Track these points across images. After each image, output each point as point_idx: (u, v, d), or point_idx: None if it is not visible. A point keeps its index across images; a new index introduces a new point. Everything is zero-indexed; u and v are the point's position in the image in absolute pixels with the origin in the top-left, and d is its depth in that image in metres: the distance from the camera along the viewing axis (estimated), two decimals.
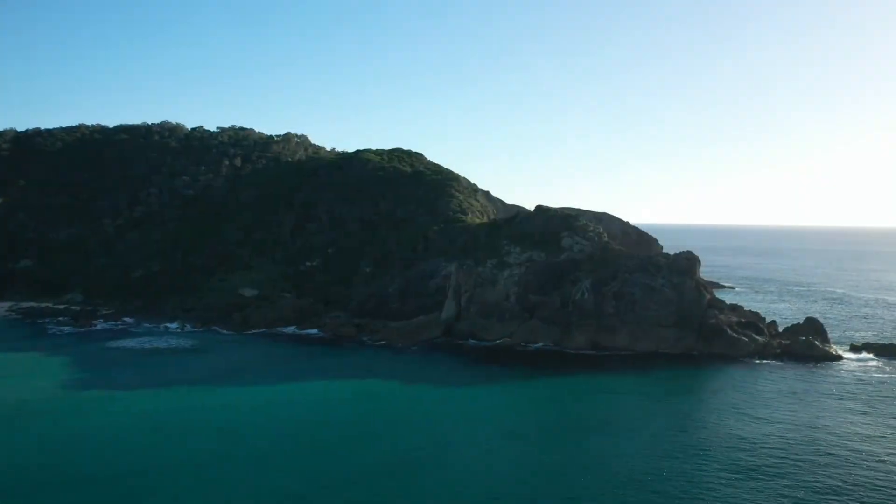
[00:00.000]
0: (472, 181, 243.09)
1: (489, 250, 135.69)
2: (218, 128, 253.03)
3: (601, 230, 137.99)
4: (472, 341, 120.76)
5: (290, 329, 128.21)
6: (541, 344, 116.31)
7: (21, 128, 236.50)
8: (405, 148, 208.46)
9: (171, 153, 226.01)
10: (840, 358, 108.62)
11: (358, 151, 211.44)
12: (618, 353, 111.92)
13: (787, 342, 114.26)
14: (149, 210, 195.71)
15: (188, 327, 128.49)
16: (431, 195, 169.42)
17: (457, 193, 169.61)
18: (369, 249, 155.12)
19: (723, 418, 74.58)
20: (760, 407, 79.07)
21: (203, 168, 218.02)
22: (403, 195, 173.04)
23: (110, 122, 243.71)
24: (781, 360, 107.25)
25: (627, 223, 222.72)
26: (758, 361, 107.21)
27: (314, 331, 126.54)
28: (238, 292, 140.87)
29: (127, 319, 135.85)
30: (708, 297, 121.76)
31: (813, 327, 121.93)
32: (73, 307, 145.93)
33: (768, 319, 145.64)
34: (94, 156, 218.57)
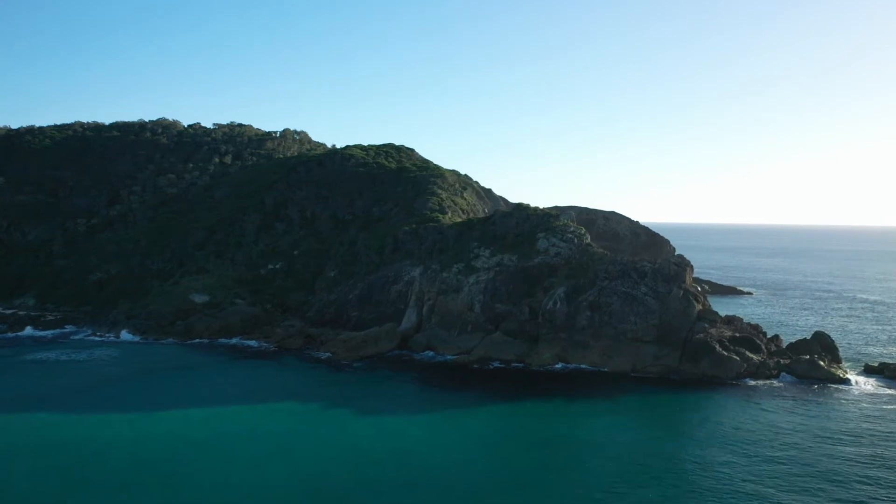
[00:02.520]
0: (475, 178, 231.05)
1: (457, 253, 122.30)
2: (214, 124, 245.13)
3: (583, 231, 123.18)
4: (429, 354, 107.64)
5: (235, 339, 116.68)
6: (498, 363, 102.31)
7: (20, 126, 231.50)
8: (411, 144, 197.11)
9: (161, 150, 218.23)
10: (847, 382, 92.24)
11: (347, 146, 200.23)
12: (588, 371, 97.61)
13: (788, 361, 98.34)
14: (128, 209, 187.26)
15: (126, 336, 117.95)
16: (410, 192, 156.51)
17: (439, 190, 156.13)
18: (337, 251, 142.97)
19: (667, 483, 59.21)
20: (725, 461, 63.17)
21: (191, 166, 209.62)
22: (382, 193, 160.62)
23: (113, 120, 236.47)
24: (778, 384, 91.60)
25: (637, 223, 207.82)
26: (752, 383, 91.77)
27: (256, 342, 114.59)
28: (188, 298, 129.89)
29: (68, 327, 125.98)
30: (698, 307, 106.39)
31: (821, 343, 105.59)
32: (21, 312, 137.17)
33: (782, 331, 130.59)
34: (81, 153, 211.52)
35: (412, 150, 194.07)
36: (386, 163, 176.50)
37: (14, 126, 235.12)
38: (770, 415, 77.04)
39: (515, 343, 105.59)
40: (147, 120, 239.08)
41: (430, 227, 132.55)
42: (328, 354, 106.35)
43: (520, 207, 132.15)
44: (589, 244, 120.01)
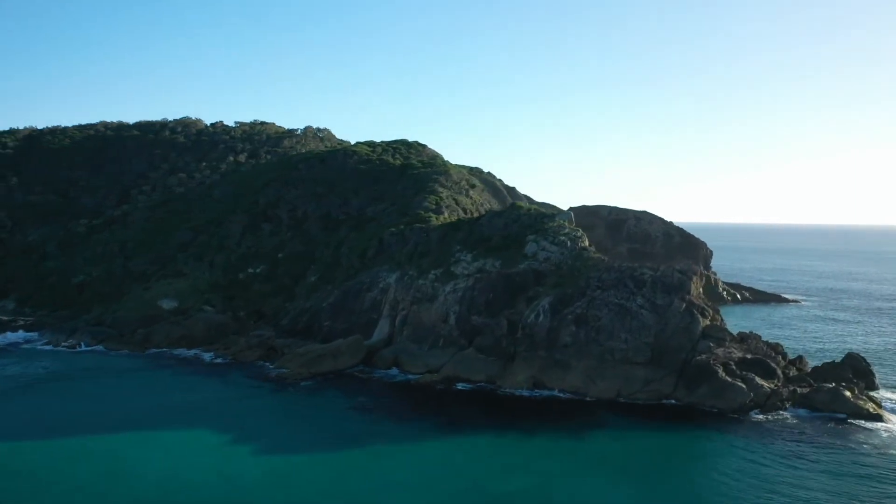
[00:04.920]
0: (500, 177, 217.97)
1: (437, 257, 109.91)
2: (236, 122, 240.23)
3: (579, 233, 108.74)
4: (393, 373, 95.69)
5: (194, 351, 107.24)
6: (463, 384, 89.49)
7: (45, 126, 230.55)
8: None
9: (178, 149, 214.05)
10: (877, 418, 75.41)
11: (357, 143, 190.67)
12: (564, 398, 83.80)
13: (807, 390, 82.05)
14: (133, 209, 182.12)
15: (82, 346, 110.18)
16: (410, 191, 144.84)
17: (440, 188, 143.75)
18: (322, 254, 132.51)
19: None
20: None
21: (203, 164, 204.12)
22: (380, 191, 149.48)
23: (138, 119, 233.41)
24: (790, 419, 75.79)
25: (671, 223, 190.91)
26: (757, 418, 76.25)
27: (211, 354, 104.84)
28: (156, 304, 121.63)
29: (31, 334, 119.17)
30: (704, 323, 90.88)
31: (854, 367, 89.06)
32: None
33: (823, 349, 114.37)
34: (98, 153, 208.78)
35: (423, 147, 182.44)
36: (391, 160, 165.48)
37: (40, 126, 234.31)
38: (766, 466, 61.69)
39: (488, 361, 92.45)
40: (170, 119, 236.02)
41: (415, 229, 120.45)
42: (284, 370, 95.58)
43: (513, 206, 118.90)
44: (584, 248, 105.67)
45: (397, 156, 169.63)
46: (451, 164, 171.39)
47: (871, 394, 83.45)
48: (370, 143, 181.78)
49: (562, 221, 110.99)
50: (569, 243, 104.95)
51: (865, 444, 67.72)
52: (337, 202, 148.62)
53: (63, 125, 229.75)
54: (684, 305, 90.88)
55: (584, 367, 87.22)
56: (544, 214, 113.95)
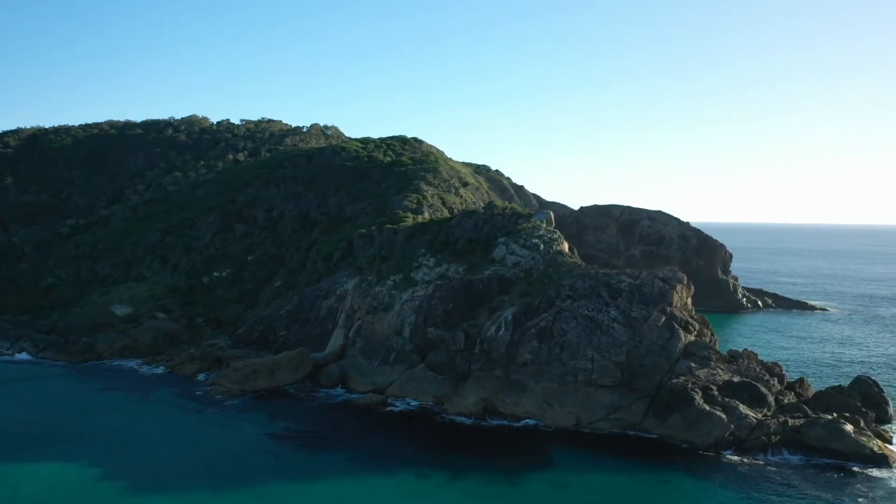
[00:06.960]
0: (509, 174, 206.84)
1: (399, 261, 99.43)
2: (242, 120, 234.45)
3: (555, 235, 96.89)
4: (337, 392, 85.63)
5: (135, 362, 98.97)
6: (399, 405, 79.00)
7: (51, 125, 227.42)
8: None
9: (178, 148, 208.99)
10: (883, 462, 62.05)
11: (350, 140, 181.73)
12: (512, 428, 72.48)
13: (801, 422, 68.97)
14: (122, 208, 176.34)
15: (24, 355, 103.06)
16: (394, 189, 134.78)
17: (426, 186, 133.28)
18: (292, 257, 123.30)
19: None
20: None
21: (201, 163, 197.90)
22: (363, 189, 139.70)
23: (145, 118, 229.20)
24: (771, 464, 63.01)
25: (687, 224, 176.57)
26: (730, 459, 63.61)
27: (149, 366, 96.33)
28: (109, 310, 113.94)
29: None
30: (688, 339, 78.52)
31: (863, 393, 75.70)
32: None
33: (841, 365, 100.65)
34: (98, 152, 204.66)
35: (420, 143, 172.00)
36: (381, 157, 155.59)
37: (47, 125, 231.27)
38: None
39: (438, 381, 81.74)
40: (178, 118, 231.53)
41: (384, 230, 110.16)
42: (216, 386, 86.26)
43: (488, 206, 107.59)
44: (559, 252, 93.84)
45: (389, 152, 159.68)
46: (450, 160, 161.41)
47: (883, 428, 70.26)
48: (364, 140, 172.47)
49: (538, 222, 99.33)
50: (542, 246, 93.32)
51: (863, 498, 54.72)
52: (315, 201, 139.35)
53: (69, 124, 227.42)
54: (663, 319, 78.67)
55: (542, 390, 75.70)
56: (520, 214, 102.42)
